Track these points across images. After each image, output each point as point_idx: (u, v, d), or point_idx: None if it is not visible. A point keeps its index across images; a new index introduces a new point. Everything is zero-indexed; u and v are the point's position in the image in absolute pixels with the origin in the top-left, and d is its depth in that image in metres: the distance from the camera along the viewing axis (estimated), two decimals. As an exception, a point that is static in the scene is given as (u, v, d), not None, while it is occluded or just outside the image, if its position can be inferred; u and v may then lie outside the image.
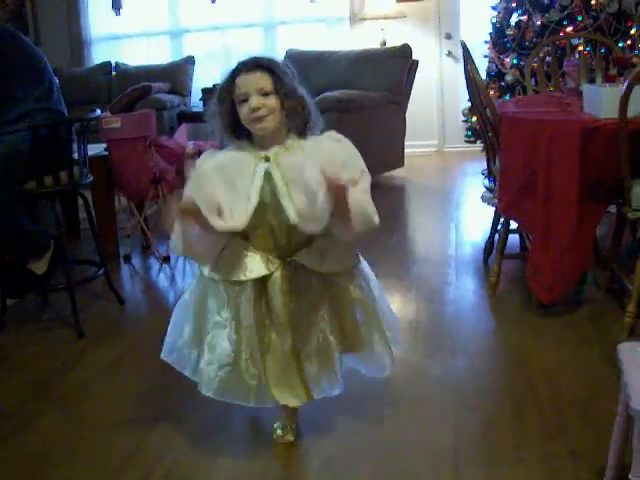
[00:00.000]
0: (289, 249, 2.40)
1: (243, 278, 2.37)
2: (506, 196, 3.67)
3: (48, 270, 4.12)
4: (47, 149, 3.62)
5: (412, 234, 5.24)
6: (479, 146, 6.41)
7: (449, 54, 7.98)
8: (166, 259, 4.85)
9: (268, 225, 2.36)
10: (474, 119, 6.13)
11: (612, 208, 3.74)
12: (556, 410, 2.71)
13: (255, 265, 2.38)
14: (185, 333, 2.54)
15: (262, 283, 2.40)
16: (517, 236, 4.35)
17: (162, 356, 2.61)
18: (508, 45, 6.11)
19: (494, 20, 6.31)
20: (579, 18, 5.78)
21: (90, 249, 4.79)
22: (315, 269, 2.40)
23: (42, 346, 3.64)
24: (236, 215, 2.26)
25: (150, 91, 7.03)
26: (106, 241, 4.70)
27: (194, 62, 8.44)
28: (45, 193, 3.73)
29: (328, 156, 2.28)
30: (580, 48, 5.45)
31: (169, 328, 2.62)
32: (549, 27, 5.86)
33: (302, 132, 2.38)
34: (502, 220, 3.97)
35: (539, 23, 5.89)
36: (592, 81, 4.19)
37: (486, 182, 5.60)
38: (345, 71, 7.23)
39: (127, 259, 4.95)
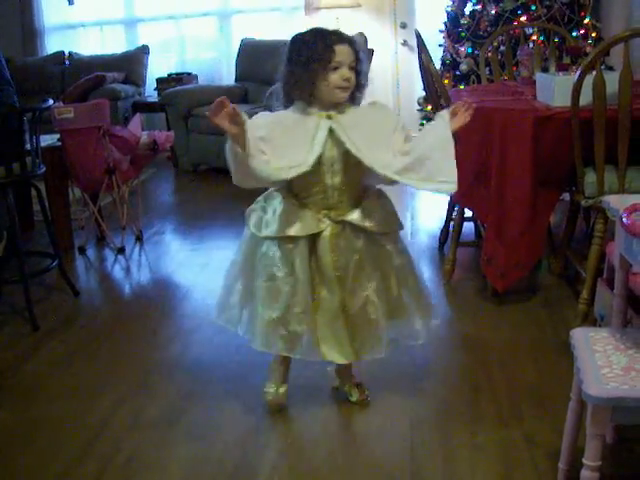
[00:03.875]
0: (339, 210, 2.51)
1: (295, 234, 2.47)
2: (460, 185, 3.68)
3: (1, 262, 4.07)
4: (-2, 139, 3.57)
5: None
6: (434, 135, 6.41)
7: (404, 43, 7.98)
8: (121, 250, 4.81)
9: (322, 184, 2.48)
10: (429, 108, 6.15)
11: (566, 195, 3.77)
12: (511, 396, 2.74)
13: (307, 223, 2.48)
14: (235, 293, 2.63)
15: (313, 242, 2.51)
16: (472, 224, 4.38)
17: (214, 318, 2.71)
18: (463, 34, 6.15)
19: (449, 9, 6.35)
20: (533, 7, 5.84)
21: (44, 241, 4.72)
22: (362, 226, 2.51)
23: (-5, 339, 3.60)
24: (297, 160, 2.40)
25: (104, 81, 6.99)
26: (60, 232, 4.64)
27: (148, 52, 8.35)
28: (-3, 184, 3.67)
29: (380, 120, 2.54)
30: (534, 37, 5.51)
31: (220, 290, 2.69)
32: (503, 16, 5.92)
33: (356, 101, 2.53)
34: (457, 208, 3.99)
35: (493, 12, 5.94)
36: (545, 70, 4.23)
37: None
38: (301, 60, 7.19)
39: (82, 250, 4.90)
